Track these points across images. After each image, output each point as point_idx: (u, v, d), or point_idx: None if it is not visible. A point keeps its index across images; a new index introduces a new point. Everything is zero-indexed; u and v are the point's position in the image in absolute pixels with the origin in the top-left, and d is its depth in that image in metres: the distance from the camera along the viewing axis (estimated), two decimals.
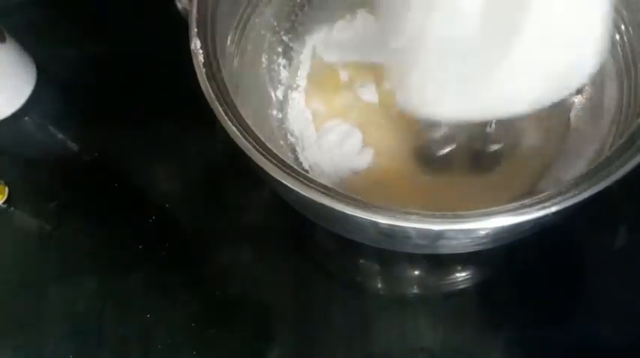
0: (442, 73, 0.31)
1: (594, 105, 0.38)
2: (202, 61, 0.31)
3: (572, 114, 0.40)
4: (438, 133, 0.40)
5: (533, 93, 0.30)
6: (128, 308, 0.41)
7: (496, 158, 0.40)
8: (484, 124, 0.39)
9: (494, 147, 0.40)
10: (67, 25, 0.53)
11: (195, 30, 0.32)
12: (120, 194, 0.46)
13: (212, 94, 0.30)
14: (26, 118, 0.50)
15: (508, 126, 0.40)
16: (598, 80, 0.38)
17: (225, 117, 0.30)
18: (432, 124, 0.40)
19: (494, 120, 0.38)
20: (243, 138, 0.29)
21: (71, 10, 0.54)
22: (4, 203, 0.46)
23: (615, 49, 0.37)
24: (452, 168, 0.40)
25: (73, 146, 0.49)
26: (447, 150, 0.40)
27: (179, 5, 0.34)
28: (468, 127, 0.40)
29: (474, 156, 0.40)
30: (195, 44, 0.32)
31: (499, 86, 0.30)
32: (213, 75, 0.31)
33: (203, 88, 0.31)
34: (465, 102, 0.31)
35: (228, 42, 0.37)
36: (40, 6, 0.55)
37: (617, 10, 0.36)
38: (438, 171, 0.40)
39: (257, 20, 0.40)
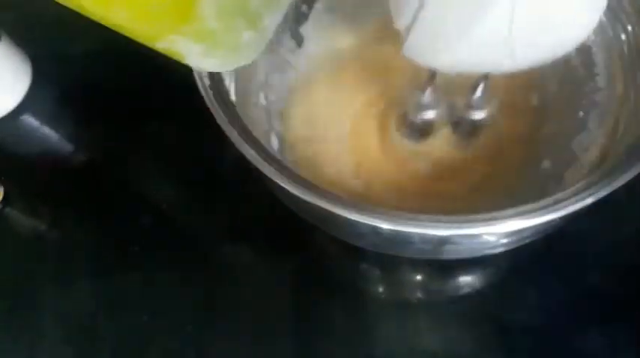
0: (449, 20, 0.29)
1: (600, 103, 0.38)
2: None
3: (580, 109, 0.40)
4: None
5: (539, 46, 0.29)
6: (126, 308, 0.41)
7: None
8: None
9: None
10: (64, 24, 0.53)
11: None
12: (117, 194, 0.46)
13: (211, 95, 0.30)
14: (22, 117, 0.49)
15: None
16: (604, 79, 0.38)
17: (224, 118, 0.29)
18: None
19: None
20: (242, 140, 0.29)
21: (67, 8, 0.53)
22: (0, 203, 0.45)
23: (621, 48, 0.37)
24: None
25: (70, 145, 0.49)
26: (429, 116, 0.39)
27: None
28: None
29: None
30: None
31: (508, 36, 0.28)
32: (212, 75, 0.31)
33: (201, 88, 0.31)
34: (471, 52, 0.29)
35: None
36: (36, 4, 0.54)
37: (623, 10, 0.36)
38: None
39: None
